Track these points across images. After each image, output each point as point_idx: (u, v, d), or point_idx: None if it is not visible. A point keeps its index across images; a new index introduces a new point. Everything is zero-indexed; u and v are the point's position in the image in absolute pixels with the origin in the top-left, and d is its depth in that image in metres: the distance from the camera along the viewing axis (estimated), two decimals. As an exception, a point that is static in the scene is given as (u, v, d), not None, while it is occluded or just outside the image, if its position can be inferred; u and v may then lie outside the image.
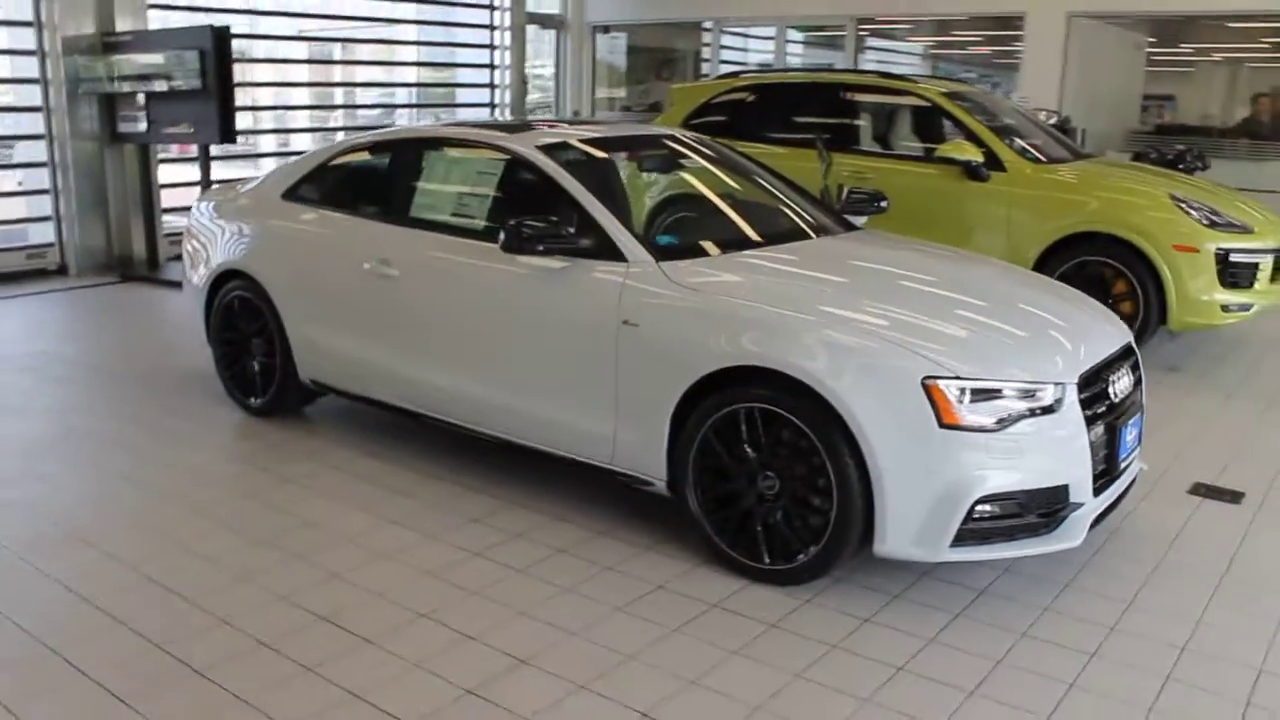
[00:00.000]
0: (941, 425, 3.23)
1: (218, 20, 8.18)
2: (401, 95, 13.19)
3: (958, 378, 3.26)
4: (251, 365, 5.16)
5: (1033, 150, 6.99)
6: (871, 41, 12.24)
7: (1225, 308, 6.20)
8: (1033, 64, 10.74)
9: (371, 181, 4.91)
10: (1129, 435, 3.70)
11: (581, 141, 4.44)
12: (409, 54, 12.79)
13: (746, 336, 3.48)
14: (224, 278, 5.18)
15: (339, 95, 12.71)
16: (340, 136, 10.20)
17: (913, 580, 3.60)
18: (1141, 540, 3.97)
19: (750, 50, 13.78)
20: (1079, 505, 3.40)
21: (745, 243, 4.13)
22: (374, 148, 5.02)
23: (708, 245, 4.04)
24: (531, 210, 4.25)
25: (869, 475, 3.29)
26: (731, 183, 4.67)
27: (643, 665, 3.06)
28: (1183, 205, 6.28)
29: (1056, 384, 3.35)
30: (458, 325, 4.24)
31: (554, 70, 13.84)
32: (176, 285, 7.61)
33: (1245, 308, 6.23)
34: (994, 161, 6.77)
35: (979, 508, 3.26)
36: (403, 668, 3.02)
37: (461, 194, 4.49)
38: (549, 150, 4.26)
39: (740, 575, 3.59)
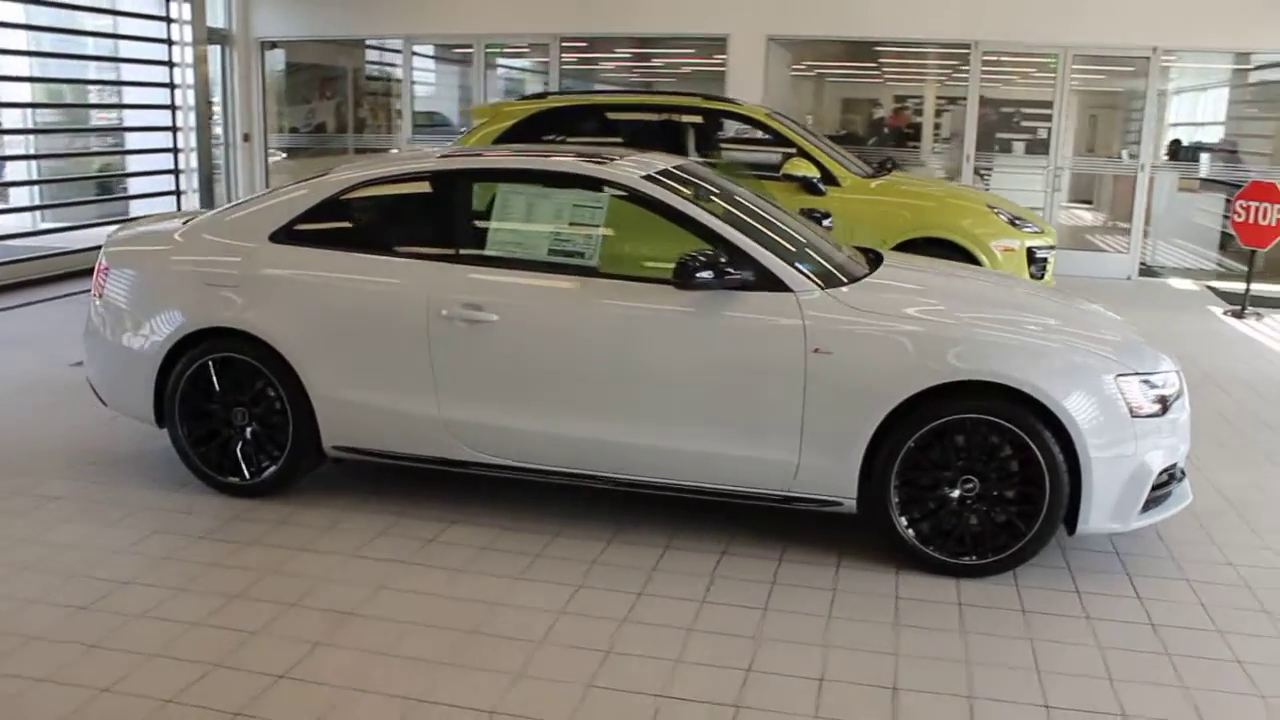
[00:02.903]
0: (1132, 415, 3.72)
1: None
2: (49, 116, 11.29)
3: (1136, 374, 3.78)
4: (235, 439, 4.38)
5: (854, 164, 7.78)
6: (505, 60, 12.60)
7: (1030, 296, 7.40)
8: (736, 82, 11.70)
9: (421, 218, 4.37)
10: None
11: (673, 172, 4.35)
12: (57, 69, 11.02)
13: (955, 354, 3.71)
14: (189, 340, 4.33)
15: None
16: None
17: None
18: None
19: (417, 69, 13.51)
20: (1184, 472, 4.08)
21: (846, 272, 4.25)
22: (408, 180, 4.45)
23: (830, 273, 4.15)
24: (654, 244, 4.16)
25: (1078, 466, 3.68)
26: (776, 216, 4.71)
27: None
28: (996, 210, 7.39)
29: (1174, 372, 3.98)
30: (592, 368, 3.98)
31: (220, 90, 12.55)
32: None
33: (1041, 295, 7.48)
34: (828, 177, 7.46)
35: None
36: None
37: (559, 230, 4.15)
38: (657, 181, 4.14)
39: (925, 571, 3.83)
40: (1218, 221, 12.04)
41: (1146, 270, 11.25)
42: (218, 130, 12.41)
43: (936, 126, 12.82)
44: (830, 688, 3.09)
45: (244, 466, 4.39)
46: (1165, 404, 3.83)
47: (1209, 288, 10.55)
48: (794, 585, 3.75)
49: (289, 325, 4.21)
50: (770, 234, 4.14)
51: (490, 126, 8.06)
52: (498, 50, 12.70)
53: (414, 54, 12.74)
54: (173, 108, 11.15)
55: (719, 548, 4.03)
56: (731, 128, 8.49)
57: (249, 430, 4.37)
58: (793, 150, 7.60)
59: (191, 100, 11.23)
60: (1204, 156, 11.96)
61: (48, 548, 3.92)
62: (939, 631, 3.45)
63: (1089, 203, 13.90)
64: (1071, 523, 3.76)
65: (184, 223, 4.70)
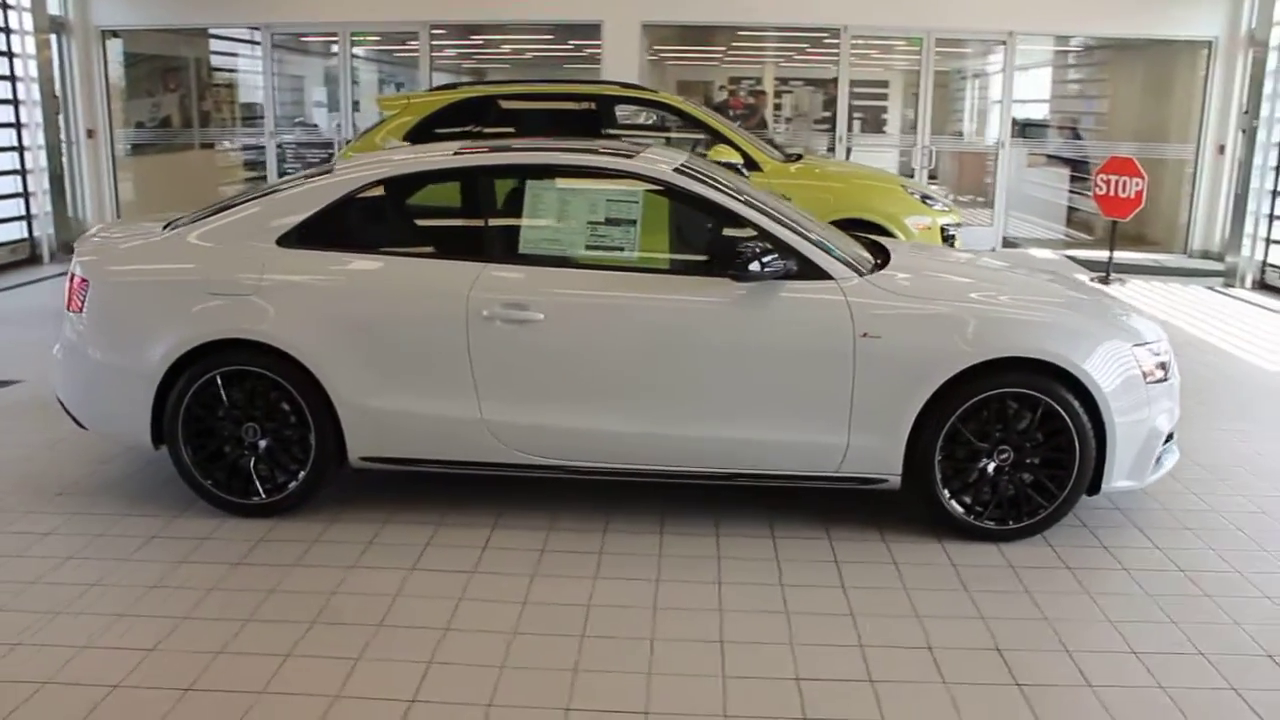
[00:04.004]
0: (1146, 381, 4.04)
1: None
2: None
3: (1145, 343, 4.10)
4: (247, 457, 4.15)
5: (770, 150, 7.98)
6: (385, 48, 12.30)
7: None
8: (611, 69, 11.73)
9: (449, 217, 4.23)
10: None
11: (693, 165, 4.38)
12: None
13: (994, 333, 3.92)
14: (191, 355, 4.07)
15: None
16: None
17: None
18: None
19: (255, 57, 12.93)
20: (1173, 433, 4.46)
21: (869, 259, 4.39)
22: (430, 177, 4.28)
23: (857, 261, 4.28)
24: (692, 237, 4.21)
25: (1103, 431, 3.97)
26: (786, 208, 4.78)
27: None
28: (909, 190, 7.75)
29: (1166, 340, 4.34)
30: (641, 363, 3.98)
31: (60, 83, 11.59)
32: None
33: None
34: (750, 162, 7.62)
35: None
36: None
37: (596, 225, 4.10)
38: (688, 175, 4.17)
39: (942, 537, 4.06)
40: (1064, 196, 12.99)
41: (1008, 242, 12.02)
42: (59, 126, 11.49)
43: (778, 107, 13.28)
44: (944, 654, 3.24)
45: (259, 485, 4.16)
46: (1166, 370, 4.16)
47: (1068, 257, 11.37)
48: (860, 561, 3.89)
49: (312, 334, 4.01)
50: (796, 224, 4.24)
51: (400, 119, 7.81)
52: (362, 39, 12.27)
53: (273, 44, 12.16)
54: (15, 102, 10.24)
55: (768, 531, 4.13)
56: (635, 114, 8.52)
57: (261, 447, 4.14)
58: (713, 137, 7.71)
59: (36, 95, 10.35)
60: (1050, 134, 12.87)
61: (69, 588, 3.61)
62: (1010, 594, 3.66)
63: (934, 179, 14.71)
64: (1095, 484, 4.05)
65: (164, 227, 4.40)
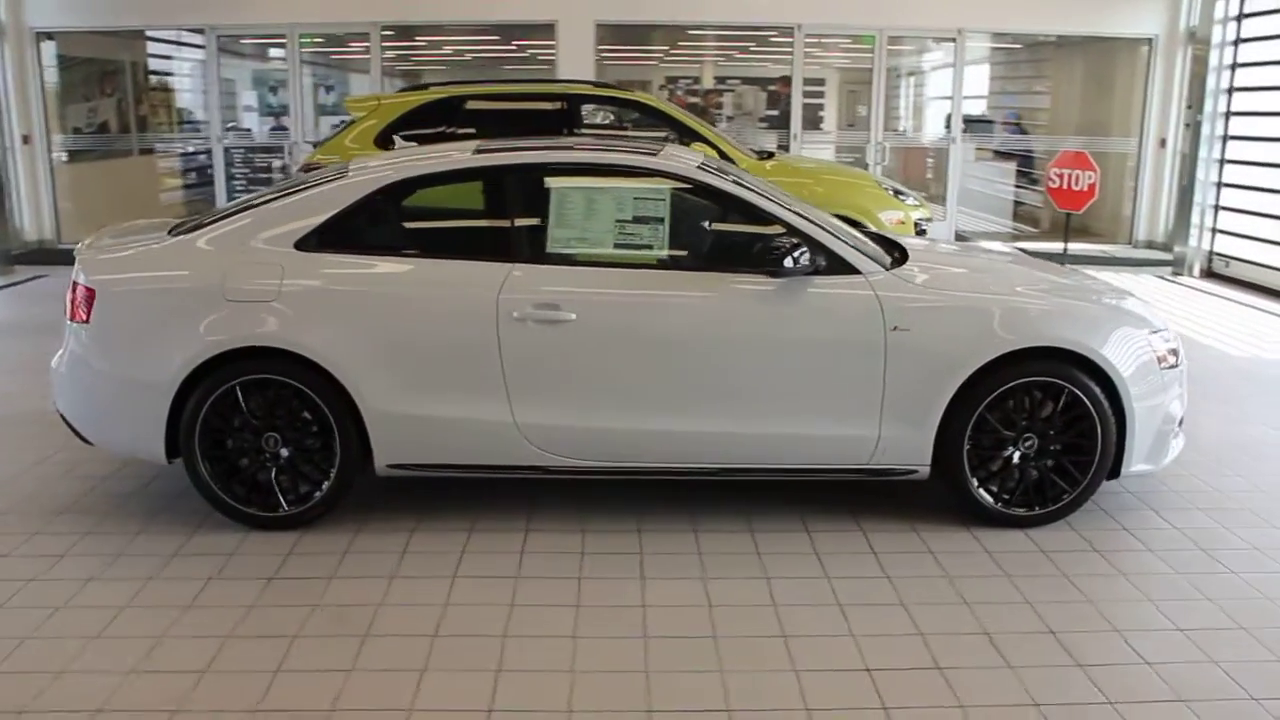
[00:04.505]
0: (1160, 367, 4.15)
1: None
2: None
3: (1158, 330, 4.22)
4: (267, 468, 4.04)
5: (744, 149, 8.02)
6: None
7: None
8: (566, 69, 11.68)
9: (474, 217, 4.16)
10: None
11: (714, 163, 4.39)
12: None
13: (1020, 323, 3.99)
14: (208, 365, 3.95)
15: None
16: None
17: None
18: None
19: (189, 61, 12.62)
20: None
21: (888, 254, 4.42)
22: (453, 178, 4.19)
23: (879, 256, 4.31)
24: (720, 234, 4.24)
25: (1123, 417, 4.07)
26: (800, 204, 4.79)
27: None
28: (883, 186, 7.86)
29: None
30: (676, 361, 3.96)
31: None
32: None
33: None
34: (727, 160, 7.65)
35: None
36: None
37: (623, 224, 4.07)
38: (712, 173, 4.18)
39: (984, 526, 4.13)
40: (1010, 190, 13.29)
41: (959, 236, 12.25)
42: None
43: (719, 105, 13.36)
44: (1003, 639, 3.29)
45: (281, 496, 4.06)
46: (1176, 356, 4.28)
47: (1020, 249, 11.60)
48: (897, 552, 3.93)
49: (337, 340, 3.92)
50: (818, 220, 4.26)
51: (370, 121, 7.69)
52: (308, 40, 12.02)
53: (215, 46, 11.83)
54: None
55: (804, 524, 4.15)
56: (609, 114, 8.51)
57: (283, 457, 4.03)
58: (689, 135, 7.72)
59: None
60: (995, 130, 13.13)
61: (99, 612, 3.47)
62: (1049, 578, 3.73)
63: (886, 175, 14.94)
64: (1116, 469, 4.15)
65: (169, 232, 4.27)
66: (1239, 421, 5.56)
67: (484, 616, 3.42)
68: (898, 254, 4.42)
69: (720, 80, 13.53)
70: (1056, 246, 10.04)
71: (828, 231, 4.12)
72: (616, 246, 4.08)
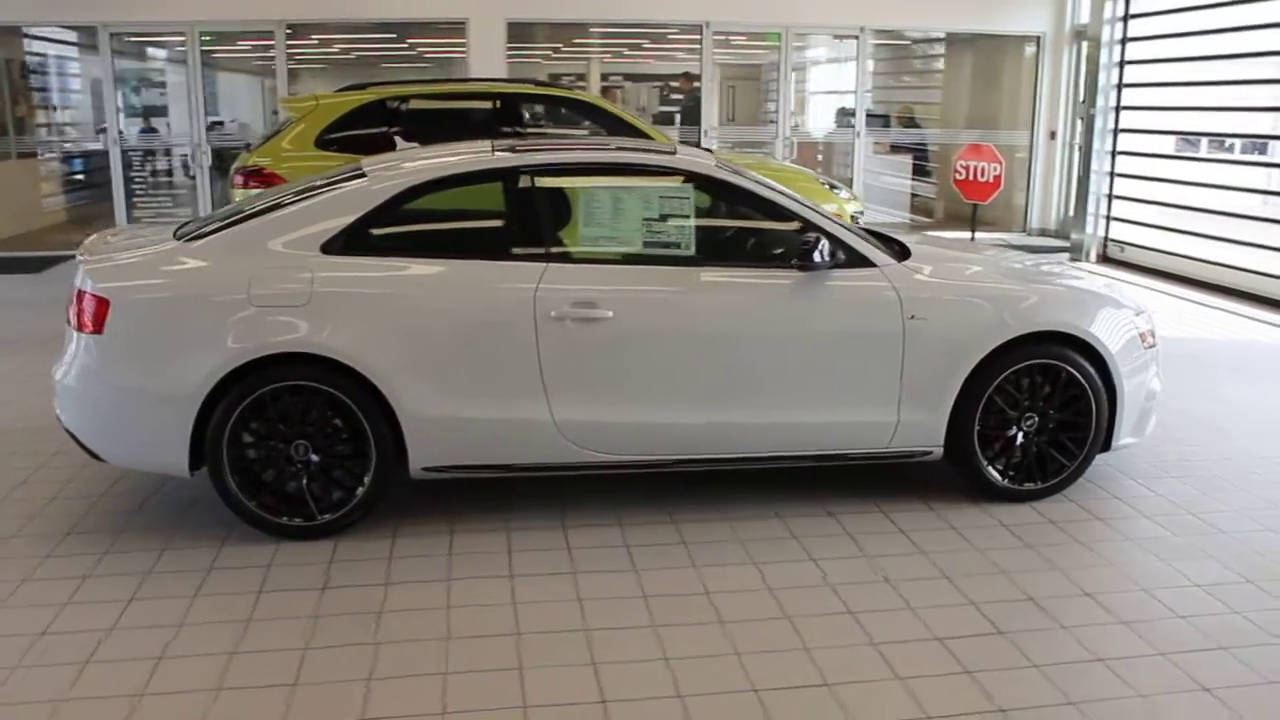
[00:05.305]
0: (1143, 346, 4.49)
1: None
2: None
3: (1141, 312, 4.56)
4: (298, 476, 3.97)
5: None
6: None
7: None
8: (478, 67, 11.61)
9: (504, 218, 4.15)
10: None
11: (724, 163, 4.51)
12: None
13: (1026, 309, 4.26)
14: (234, 374, 3.86)
15: None
16: None
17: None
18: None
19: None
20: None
21: (893, 247, 4.62)
22: (478, 178, 4.17)
23: (890, 246, 4.51)
24: (735, 230, 4.38)
25: (1114, 394, 4.39)
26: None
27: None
28: (820, 179, 8.13)
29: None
30: (709, 356, 4.07)
31: None
32: None
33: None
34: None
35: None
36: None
37: (651, 222, 4.13)
38: (730, 170, 4.30)
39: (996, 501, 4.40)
40: (907, 183, 13.83)
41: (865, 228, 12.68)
42: None
43: (624, 102, 13.52)
44: (1051, 603, 3.53)
45: (314, 505, 4.00)
46: (1153, 336, 4.63)
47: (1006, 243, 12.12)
48: (924, 529, 4.14)
49: (372, 343, 3.88)
50: (828, 215, 4.44)
51: (306, 121, 7.51)
52: (211, 40, 11.57)
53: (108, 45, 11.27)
54: None
55: (825, 509, 4.32)
56: (548, 112, 8.53)
57: (312, 465, 3.97)
58: (632, 133, 7.82)
59: None
60: (891, 124, 13.66)
61: (156, 632, 3.35)
62: (1066, 545, 4.01)
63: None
64: (1107, 442, 4.46)
65: (175, 235, 4.16)
66: (1178, 397, 5.98)
67: (558, 612, 3.47)
68: (898, 247, 4.63)
69: (628, 77, 13.66)
70: (954, 236, 10.54)
71: (842, 226, 4.30)
72: (645, 244, 4.17)
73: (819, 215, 4.29)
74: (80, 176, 12.55)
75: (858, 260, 4.21)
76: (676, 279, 4.12)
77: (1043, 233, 12.33)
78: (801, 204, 4.32)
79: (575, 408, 4.02)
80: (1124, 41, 10.59)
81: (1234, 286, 9.13)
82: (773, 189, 4.36)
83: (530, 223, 4.16)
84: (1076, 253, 10.98)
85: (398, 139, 6.93)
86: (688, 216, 4.20)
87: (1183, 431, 5.35)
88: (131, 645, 3.28)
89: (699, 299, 4.10)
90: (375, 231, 4.03)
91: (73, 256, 4.20)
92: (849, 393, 4.18)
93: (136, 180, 11.38)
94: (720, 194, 4.29)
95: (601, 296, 3.99)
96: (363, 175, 4.19)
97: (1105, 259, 10.87)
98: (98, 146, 11.40)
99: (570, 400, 4.02)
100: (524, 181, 4.16)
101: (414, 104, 7.76)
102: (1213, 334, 7.86)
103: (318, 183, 4.32)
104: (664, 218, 4.18)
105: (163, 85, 12.20)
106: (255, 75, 12.77)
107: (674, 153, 4.36)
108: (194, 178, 11.41)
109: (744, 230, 4.49)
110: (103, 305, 3.90)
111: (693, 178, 4.25)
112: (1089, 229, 10.96)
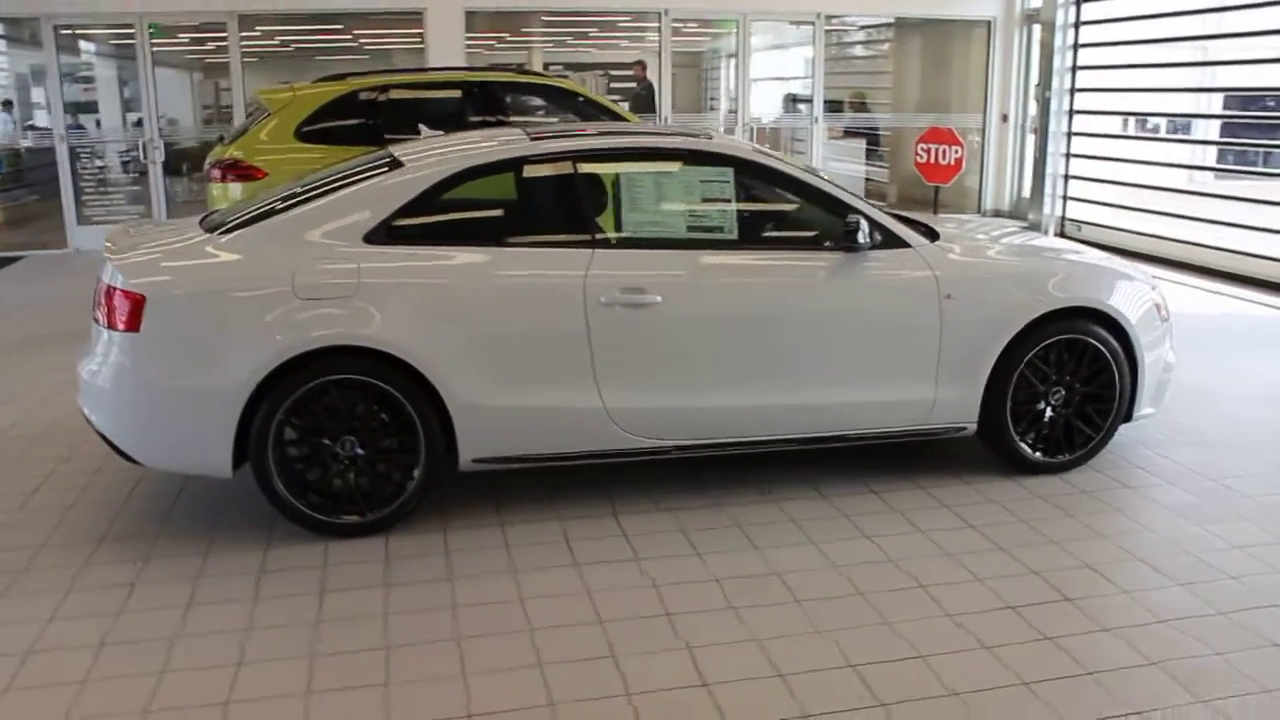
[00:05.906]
0: (1160, 319, 4.64)
1: None
2: None
3: (1154, 286, 4.71)
4: (345, 473, 3.91)
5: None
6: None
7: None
8: (437, 57, 11.44)
9: (548, 205, 4.11)
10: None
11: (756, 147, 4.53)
12: None
13: (1054, 286, 4.36)
14: (280, 369, 3.78)
15: None
16: None
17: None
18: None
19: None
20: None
21: (919, 227, 4.69)
22: (519, 164, 4.12)
23: (916, 228, 4.58)
24: (773, 213, 4.41)
25: (1135, 365, 4.53)
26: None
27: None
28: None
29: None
30: (757, 338, 4.09)
31: None
32: None
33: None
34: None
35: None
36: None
37: (693, 206, 4.13)
38: (767, 154, 4.33)
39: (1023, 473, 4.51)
40: (860, 168, 14.00)
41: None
42: None
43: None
44: (1107, 568, 3.63)
45: (362, 502, 3.93)
46: (1167, 309, 4.78)
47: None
48: (967, 504, 4.22)
49: (423, 335, 3.82)
50: (860, 197, 4.48)
51: (282, 113, 7.35)
52: (156, 30, 11.20)
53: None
54: None
55: (868, 488, 4.39)
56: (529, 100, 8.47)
57: (359, 460, 3.91)
58: (611, 119, 7.81)
59: None
60: (844, 109, 13.81)
61: (223, 638, 3.27)
62: (1104, 513, 4.14)
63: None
64: (1129, 413, 4.60)
65: (199, 223, 4.08)
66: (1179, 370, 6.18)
67: (634, 599, 3.47)
68: (923, 229, 4.70)
69: (576, 66, 13.62)
70: (966, 217, 10.70)
71: (876, 208, 4.35)
72: (689, 229, 4.17)
73: (855, 197, 4.34)
74: (23, 174, 12.09)
75: (894, 241, 4.27)
76: (721, 262, 4.13)
77: (997, 213, 12.60)
78: (837, 186, 4.37)
79: (625, 394, 4.02)
80: (1078, 25, 10.87)
81: (1188, 261, 9.45)
82: (809, 171, 4.40)
83: (574, 209, 4.13)
84: (1034, 231, 11.25)
85: (422, 127, 6.80)
86: (729, 200, 4.22)
87: (1184, 403, 5.52)
88: (205, 652, 3.20)
89: (744, 282, 4.12)
90: (419, 220, 3.97)
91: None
92: (891, 371, 4.24)
93: (85, 177, 10.99)
94: (760, 177, 4.31)
95: (650, 281, 3.98)
96: (398, 164, 4.12)
97: (1062, 236, 11.16)
98: (45, 144, 10.98)
99: (621, 386, 4.01)
100: (566, 168, 4.13)
101: (393, 94, 7.63)
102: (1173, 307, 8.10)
103: (346, 172, 4.23)
104: (706, 201, 4.19)
105: (111, 80, 11.78)
106: (185, 70, 12.45)
107: (712, 137, 4.37)
108: (145, 174, 11.06)
109: (782, 213, 4.52)
110: (138, 302, 3.78)
111: (732, 162, 4.26)
112: (1046, 209, 11.24)
